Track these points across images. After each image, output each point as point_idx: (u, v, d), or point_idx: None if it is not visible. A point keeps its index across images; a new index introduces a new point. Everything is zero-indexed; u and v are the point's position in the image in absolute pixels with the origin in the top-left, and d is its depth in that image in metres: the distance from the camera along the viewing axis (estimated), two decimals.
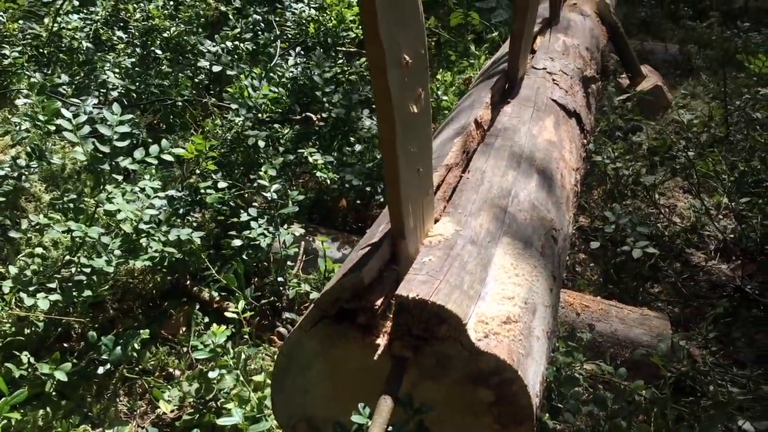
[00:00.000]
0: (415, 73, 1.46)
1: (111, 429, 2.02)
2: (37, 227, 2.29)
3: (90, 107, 2.59)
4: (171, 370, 2.22)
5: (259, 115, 2.78)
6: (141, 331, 2.12)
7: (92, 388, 2.11)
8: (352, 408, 1.46)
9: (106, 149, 2.15)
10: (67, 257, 2.19)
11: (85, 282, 2.03)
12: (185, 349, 2.28)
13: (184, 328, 2.37)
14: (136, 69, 3.19)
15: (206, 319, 2.38)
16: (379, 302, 1.50)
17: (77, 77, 3.28)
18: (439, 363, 1.48)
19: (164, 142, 2.29)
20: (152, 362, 2.23)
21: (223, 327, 1.99)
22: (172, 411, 2.06)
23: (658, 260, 3.09)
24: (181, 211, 2.41)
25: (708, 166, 4.00)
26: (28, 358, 1.98)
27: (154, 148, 2.27)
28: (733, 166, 3.95)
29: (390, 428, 1.38)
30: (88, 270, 2.02)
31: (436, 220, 1.84)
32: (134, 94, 3.19)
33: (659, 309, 2.81)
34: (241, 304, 2.14)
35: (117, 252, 2.12)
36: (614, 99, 4.91)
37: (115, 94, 3.13)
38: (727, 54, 5.64)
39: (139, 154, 2.25)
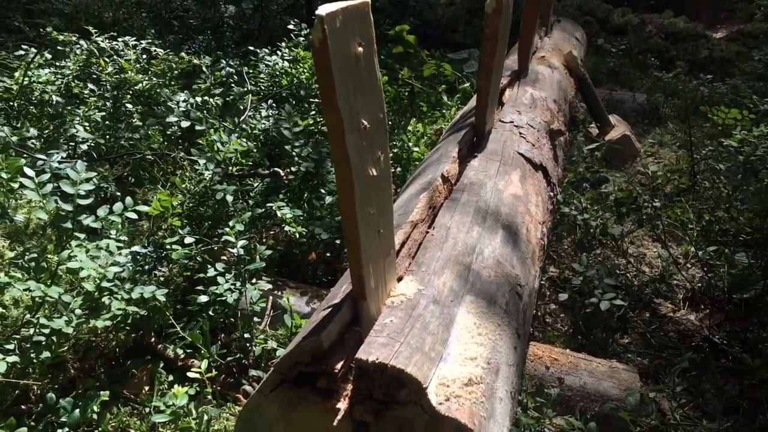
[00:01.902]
0: (373, 136, 1.48)
1: None
2: None
3: (56, 163, 2.58)
4: (132, 431, 2.16)
5: (229, 168, 2.79)
6: (101, 392, 2.07)
7: None
8: None
9: (69, 207, 2.13)
10: (27, 317, 2.15)
11: (43, 343, 1.99)
12: (147, 410, 2.22)
13: (147, 388, 2.32)
14: (107, 123, 3.19)
15: (170, 378, 2.34)
16: (339, 366, 1.48)
17: (46, 131, 3.27)
18: (401, 428, 1.46)
19: (128, 199, 2.28)
20: (113, 424, 2.16)
21: (185, 389, 1.95)
22: None
23: (627, 311, 3.11)
24: (146, 267, 2.38)
25: (674, 215, 4.07)
26: None
27: (118, 206, 2.26)
28: (700, 215, 4.02)
29: None
30: (47, 330, 1.98)
31: (400, 279, 1.84)
32: (104, 148, 3.17)
33: (628, 361, 2.81)
34: (205, 363, 2.11)
35: (78, 311, 2.08)
36: (583, 148, 5.00)
37: (84, 147, 3.12)
38: (693, 103, 5.79)
39: (102, 212, 2.23)
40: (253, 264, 2.39)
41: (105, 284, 2.17)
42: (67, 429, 2.03)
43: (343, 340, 1.57)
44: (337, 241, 2.78)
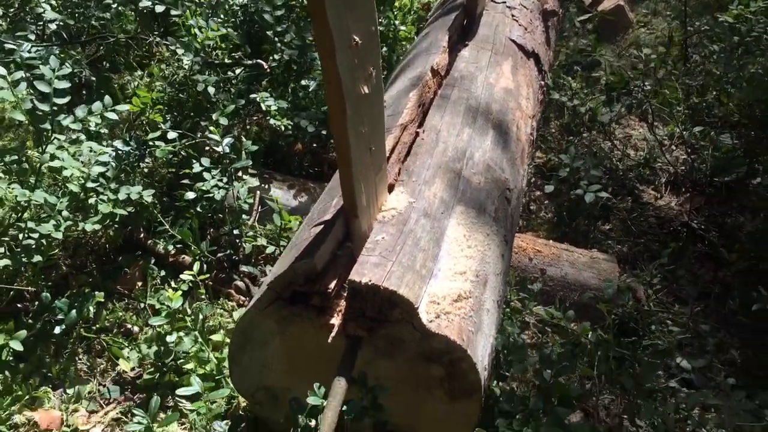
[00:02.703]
0: (365, 52, 1.42)
1: (72, 388, 2.04)
2: None
3: (26, 52, 2.44)
4: (129, 326, 2.23)
5: (209, 56, 2.66)
6: (96, 293, 2.11)
7: (50, 348, 2.11)
8: (309, 380, 1.51)
9: (46, 107, 2.05)
10: (13, 217, 2.13)
11: (33, 246, 1.99)
12: (142, 305, 2.28)
13: (140, 283, 2.36)
14: (74, 0, 2.99)
15: (162, 273, 2.38)
16: (332, 285, 1.51)
17: (11, 9, 3.06)
18: (393, 343, 1.52)
19: (107, 98, 2.19)
20: (109, 319, 2.23)
21: (179, 293, 2.00)
22: (132, 369, 2.09)
23: (611, 198, 3.15)
24: (130, 164, 2.34)
25: (663, 97, 4.03)
26: None
27: (96, 105, 2.17)
28: (688, 93, 3.98)
29: (344, 408, 1.43)
30: (36, 235, 1.98)
31: (391, 187, 1.83)
32: (74, 28, 2.99)
33: (609, 248, 2.89)
34: (197, 266, 2.14)
35: (65, 213, 2.07)
36: (575, 20, 4.84)
37: (53, 27, 2.94)
38: None
39: (81, 112, 2.15)
40: (239, 162, 2.35)
41: (90, 185, 2.15)
42: (64, 326, 2.09)
43: (335, 259, 1.59)
44: (323, 132, 2.73)
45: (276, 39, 2.78)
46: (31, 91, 2.13)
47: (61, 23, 2.99)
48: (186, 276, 2.10)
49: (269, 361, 1.68)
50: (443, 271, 1.60)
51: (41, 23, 2.97)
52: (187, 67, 2.64)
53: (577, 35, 4.78)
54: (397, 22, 3.59)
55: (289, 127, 2.64)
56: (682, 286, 2.80)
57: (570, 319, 2.42)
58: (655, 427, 2.15)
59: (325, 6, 1.22)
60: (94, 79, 3.01)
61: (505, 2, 3.11)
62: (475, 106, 2.27)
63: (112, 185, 2.20)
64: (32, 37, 2.93)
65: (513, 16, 3.02)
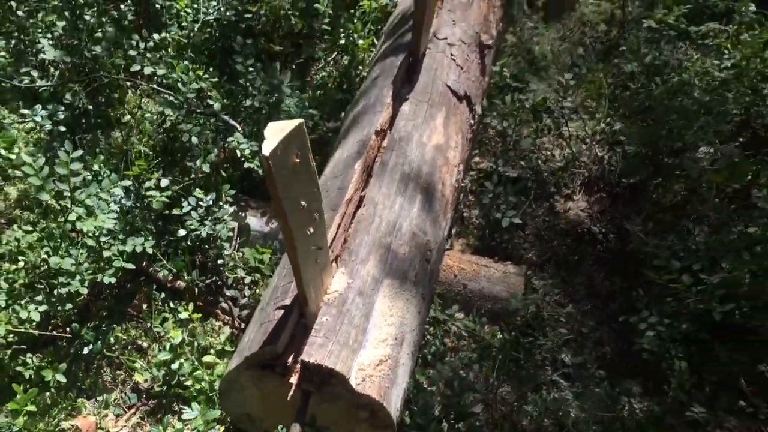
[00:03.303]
0: (310, 208, 2.01)
1: (101, 396, 2.73)
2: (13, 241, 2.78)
3: (39, 117, 2.95)
4: (140, 342, 2.89)
5: (191, 107, 3.14)
6: (114, 326, 2.76)
7: (81, 365, 2.78)
8: (278, 412, 2.21)
9: (66, 187, 2.59)
10: (44, 268, 2.74)
11: (65, 296, 2.61)
12: (149, 324, 2.94)
13: (145, 305, 3.00)
14: (67, 30, 3.36)
15: (162, 296, 3.01)
16: (290, 360, 2.18)
17: (12, 39, 3.46)
18: (333, 396, 2.20)
19: (113, 176, 2.71)
20: (124, 339, 2.88)
21: (179, 331, 2.65)
22: (145, 381, 2.77)
23: (530, 205, 3.78)
24: (133, 216, 2.90)
25: (590, 90, 4.56)
26: (32, 359, 2.62)
27: (105, 183, 2.70)
28: (616, 87, 4.51)
29: None
30: (65, 290, 2.58)
31: (338, 258, 2.46)
32: (70, 63, 3.42)
33: (525, 253, 3.54)
34: (191, 306, 2.78)
35: (86, 265, 2.67)
36: (523, 4, 5.24)
37: (52, 69, 3.37)
38: None
39: (94, 188, 2.68)
40: (221, 211, 2.94)
41: (103, 239, 2.74)
42: (92, 349, 2.76)
43: (294, 338, 2.24)
44: None
45: (247, 84, 3.28)
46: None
47: (59, 61, 3.44)
48: (183, 314, 2.76)
49: (248, 400, 2.37)
50: (370, 341, 2.27)
51: (41, 56, 3.41)
52: (170, 120, 3.14)
53: (526, 16, 5.20)
54: (355, 35, 4.04)
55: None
56: (577, 290, 3.49)
57: (483, 325, 3.13)
58: (537, 413, 2.92)
59: (277, 187, 1.80)
60: (91, 107, 3.49)
61: (446, 38, 3.58)
62: (408, 171, 2.85)
63: (121, 236, 2.79)
64: (35, 73, 3.40)
65: (452, 55, 3.50)
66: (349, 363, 2.15)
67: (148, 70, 3.06)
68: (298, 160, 1.86)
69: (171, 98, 3.10)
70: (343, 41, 4.06)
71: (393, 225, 2.63)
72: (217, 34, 4.03)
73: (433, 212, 2.82)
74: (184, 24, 4.01)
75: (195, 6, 4.01)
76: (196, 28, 3.94)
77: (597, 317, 3.36)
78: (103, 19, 3.68)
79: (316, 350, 2.14)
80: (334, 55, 4.21)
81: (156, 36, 3.33)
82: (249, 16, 4.08)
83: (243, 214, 3.28)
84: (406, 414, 2.50)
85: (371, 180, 2.80)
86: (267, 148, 1.71)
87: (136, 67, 3.15)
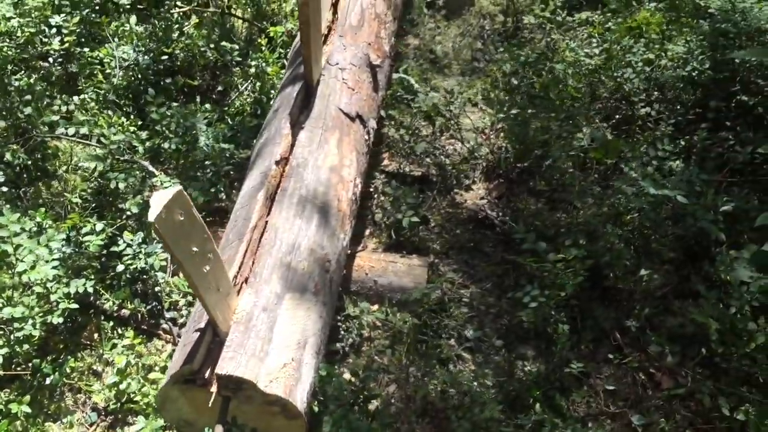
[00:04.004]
0: (202, 251, 2.46)
1: (65, 418, 3.20)
2: None
3: None
4: (95, 367, 3.36)
5: (116, 157, 3.56)
6: (69, 358, 3.22)
7: (45, 393, 3.24)
8: (208, 414, 2.70)
9: (9, 248, 3.02)
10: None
11: (21, 338, 3.06)
12: (101, 351, 3.40)
13: (96, 335, 3.46)
14: None
15: (111, 324, 3.47)
16: (207, 374, 2.66)
17: None
18: (248, 397, 2.69)
19: (50, 231, 3.15)
20: (81, 365, 3.34)
21: (123, 357, 3.12)
22: (102, 400, 3.24)
23: (435, 200, 4.26)
24: (73, 262, 3.34)
25: (489, 83, 5.01)
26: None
27: (43, 239, 3.14)
28: (513, 73, 4.95)
29: None
30: (20, 333, 3.03)
31: (247, 280, 2.93)
32: (7, 127, 3.81)
33: (430, 243, 4.01)
34: (132, 332, 3.25)
35: (36, 309, 3.12)
36: (422, 7, 5.65)
37: None
38: None
39: (34, 245, 3.11)
40: (150, 247, 3.39)
41: (49, 284, 3.19)
42: (53, 380, 3.22)
43: (210, 354, 2.71)
44: (216, 204, 3.73)
45: (163, 129, 3.71)
46: None
47: None
48: (126, 341, 3.23)
49: (182, 408, 2.85)
50: (275, 349, 2.75)
51: None
52: (99, 169, 3.57)
53: (425, 17, 5.61)
54: (264, 64, 4.47)
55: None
56: (477, 271, 3.98)
57: (395, 314, 3.63)
58: (444, 384, 3.40)
59: (168, 243, 2.26)
60: (30, 162, 3.90)
61: (338, 64, 4.01)
62: (305, 195, 3.30)
63: (65, 280, 3.24)
64: None
65: (343, 79, 3.94)
66: (256, 370, 2.63)
67: (71, 131, 3.49)
68: (182, 218, 2.31)
69: (97, 151, 3.53)
70: (253, 69, 4.48)
71: (292, 245, 3.09)
72: (139, 77, 4.43)
73: (330, 227, 3.29)
74: (107, 71, 4.43)
75: (114, 54, 4.42)
76: (119, 74, 4.36)
77: (496, 294, 3.86)
78: (31, 80, 4.07)
79: (228, 363, 2.61)
80: (247, 84, 4.63)
81: (76, 98, 3.73)
82: (164, 57, 4.48)
83: None
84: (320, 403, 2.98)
85: (274, 207, 3.26)
86: (152, 215, 2.16)
87: (60, 130, 3.57)
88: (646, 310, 3.43)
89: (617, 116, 4.40)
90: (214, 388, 2.67)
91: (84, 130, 3.53)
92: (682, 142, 4.01)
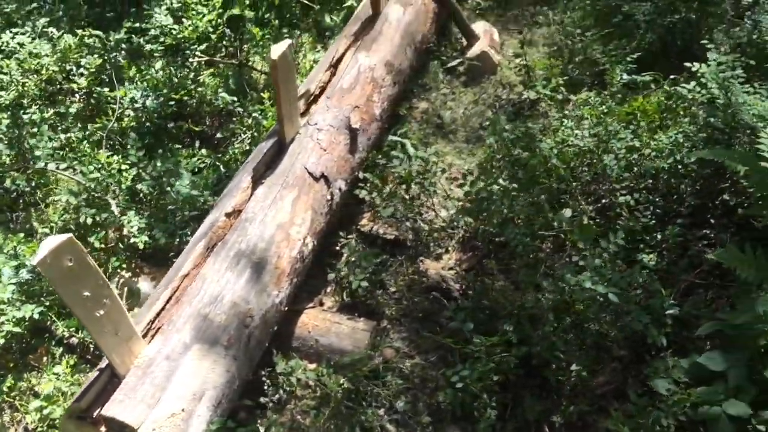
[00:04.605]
0: (97, 295, 2.60)
1: None
2: None
3: None
4: (37, 389, 3.57)
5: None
6: (9, 376, 3.47)
7: None
8: None
9: None
10: None
11: None
12: (47, 374, 3.62)
13: (45, 358, 3.68)
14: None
15: (60, 349, 3.69)
16: (95, 414, 2.78)
17: None
18: None
19: (12, 262, 3.43)
20: (24, 385, 3.56)
21: (51, 383, 3.32)
22: (32, 422, 3.45)
23: (402, 264, 4.27)
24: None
25: (488, 154, 4.99)
26: None
27: (6, 266, 3.42)
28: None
29: None
30: None
31: (158, 329, 3.05)
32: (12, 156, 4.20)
33: (381, 319, 4.00)
34: (65, 362, 3.45)
35: None
36: (438, 73, 5.73)
37: None
38: None
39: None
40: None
41: (1, 306, 3.45)
42: None
43: (104, 393, 2.84)
44: (177, 240, 3.91)
45: (140, 171, 3.96)
46: None
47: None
48: (57, 369, 3.42)
49: None
50: (168, 398, 2.84)
51: None
52: (73, 203, 3.85)
53: (440, 83, 5.66)
54: (260, 116, 4.67)
55: (149, 243, 3.85)
56: (424, 342, 3.93)
57: (330, 375, 3.66)
58: None
59: (55, 286, 2.41)
60: (28, 188, 4.25)
61: (317, 124, 4.13)
62: (244, 249, 3.42)
63: (17, 304, 3.49)
64: None
65: (318, 139, 4.05)
66: (142, 416, 2.73)
67: (51, 166, 3.79)
68: (71, 264, 2.47)
69: (74, 187, 3.81)
70: (249, 120, 4.70)
71: (216, 297, 3.20)
72: (145, 119, 4.74)
73: (260, 283, 3.37)
74: (120, 110, 4.77)
75: (126, 96, 4.75)
76: (131, 115, 4.69)
77: (438, 368, 3.81)
78: (44, 114, 4.44)
79: (116, 406, 2.73)
80: (244, 133, 4.85)
81: (63, 136, 4.06)
82: (172, 103, 4.77)
83: (135, 279, 3.93)
84: None
85: (210, 257, 3.39)
86: (36, 259, 2.34)
87: (40, 164, 3.88)
88: (572, 408, 3.30)
89: (603, 201, 4.28)
90: (102, 428, 2.79)
91: (64, 166, 3.82)
92: (659, 236, 3.87)
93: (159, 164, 4.03)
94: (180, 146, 4.79)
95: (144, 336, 3.01)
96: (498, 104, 5.55)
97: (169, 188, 3.89)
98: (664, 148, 4.00)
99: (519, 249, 3.85)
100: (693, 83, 4.00)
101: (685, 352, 3.34)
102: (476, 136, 5.35)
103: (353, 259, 3.95)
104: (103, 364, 2.91)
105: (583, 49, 5.51)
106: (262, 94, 5.14)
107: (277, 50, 3.58)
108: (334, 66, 4.65)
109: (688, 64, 4.09)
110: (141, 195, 4.01)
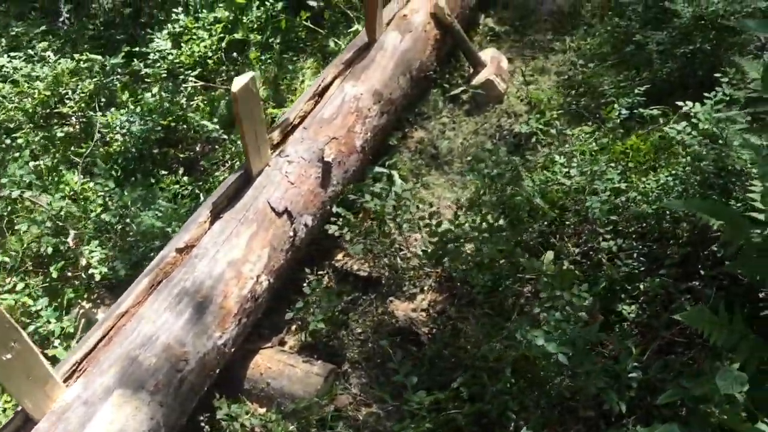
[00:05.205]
0: (4, 339, 2.54)
1: None
2: None
3: None
4: None
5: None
6: None
7: None
8: None
9: None
10: None
11: None
12: None
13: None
14: None
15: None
16: None
17: None
18: None
19: None
20: None
21: None
22: None
23: (372, 304, 4.09)
24: None
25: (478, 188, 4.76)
26: None
27: None
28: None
29: None
30: None
31: (83, 371, 2.97)
32: None
33: (341, 362, 3.83)
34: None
35: None
36: (438, 102, 5.53)
37: None
38: None
39: None
40: (57, 326, 3.58)
41: None
42: None
43: None
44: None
45: (105, 200, 3.93)
46: None
47: None
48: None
49: None
50: None
51: None
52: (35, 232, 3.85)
53: (440, 111, 5.45)
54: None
55: (110, 274, 3.81)
56: (384, 389, 3.73)
57: (278, 422, 3.51)
58: None
59: None
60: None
61: (288, 156, 4.01)
62: (188, 287, 3.31)
63: None
64: None
65: (287, 172, 3.92)
66: None
67: (15, 194, 3.80)
68: None
69: (36, 216, 3.81)
70: (233, 148, 4.63)
71: (149, 338, 3.10)
72: (132, 145, 4.73)
73: (201, 324, 3.26)
74: (109, 136, 4.78)
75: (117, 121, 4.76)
76: (120, 140, 4.70)
77: (395, 419, 3.61)
78: (30, 138, 4.48)
79: None
80: (227, 162, 4.78)
81: (32, 163, 4.06)
82: (159, 129, 4.75)
83: (95, 310, 3.89)
84: None
85: (152, 295, 3.30)
86: None
87: (5, 191, 3.90)
88: None
89: (589, 244, 4.01)
90: None
91: (28, 194, 3.82)
92: (642, 286, 3.59)
93: (126, 193, 3.98)
94: (167, 173, 4.74)
95: (69, 378, 2.94)
96: (499, 135, 5.30)
97: (131, 219, 3.83)
98: (652, 191, 3.71)
99: (480, 296, 3.63)
100: (684, 123, 3.69)
101: (649, 419, 3.06)
102: (498, 161, 5.12)
103: (313, 298, 3.80)
104: (19, 407, 2.84)
105: (585, 79, 5.24)
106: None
107: (238, 83, 3.48)
108: (320, 95, 4.53)
109: (680, 103, 3.79)
110: (108, 225, 3.97)
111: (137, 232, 3.86)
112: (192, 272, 3.38)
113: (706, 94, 3.78)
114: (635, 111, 4.59)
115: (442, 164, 5.16)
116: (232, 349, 3.48)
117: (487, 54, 5.80)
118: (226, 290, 3.41)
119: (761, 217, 2.86)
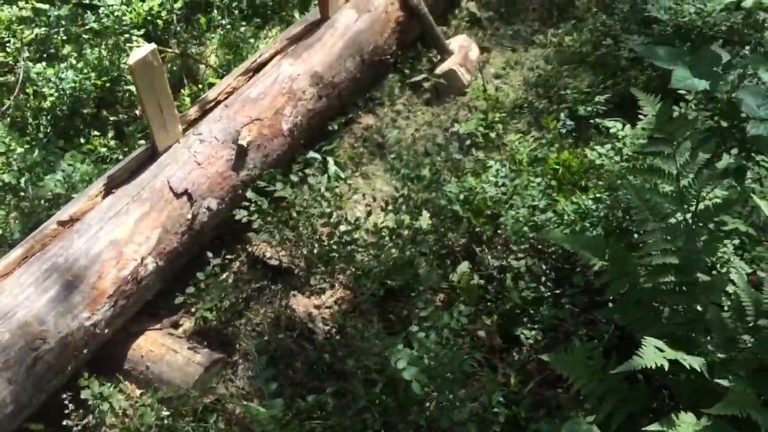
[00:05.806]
0: None
1: None
2: None
3: None
4: None
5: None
6: None
7: None
8: None
9: None
10: None
11: None
12: None
13: None
14: None
15: None
16: None
17: None
18: None
19: None
20: None
21: None
22: None
23: (276, 295, 3.96)
24: None
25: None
26: None
27: None
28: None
29: None
30: None
31: None
32: None
33: (234, 352, 3.71)
34: None
35: None
36: (395, 88, 5.29)
37: None
38: None
39: None
40: None
41: None
42: None
43: None
44: None
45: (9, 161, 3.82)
46: None
47: None
48: None
49: None
50: None
51: None
52: None
53: (396, 98, 5.21)
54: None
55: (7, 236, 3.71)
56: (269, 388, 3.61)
57: (153, 407, 3.42)
58: None
59: None
60: None
61: (200, 134, 3.85)
62: (60, 263, 3.20)
63: None
64: None
65: (195, 152, 3.77)
66: None
67: None
68: None
69: None
70: None
71: (5, 313, 3.00)
72: (63, 101, 4.60)
73: (67, 303, 3.15)
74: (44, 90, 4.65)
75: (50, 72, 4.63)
76: (55, 95, 4.58)
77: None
78: None
79: None
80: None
81: None
82: (92, 87, 4.61)
83: None
84: None
85: (21, 268, 3.20)
86: None
87: None
88: None
89: (500, 261, 3.81)
90: None
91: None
92: (544, 311, 3.41)
93: (36, 154, 3.86)
94: (99, 134, 4.61)
95: None
96: (452, 130, 5.06)
97: (32, 182, 3.72)
98: (567, 214, 3.49)
99: (371, 306, 3.48)
100: (608, 146, 3.45)
101: None
102: (418, 162, 4.91)
103: (204, 284, 3.67)
104: None
105: (554, 79, 4.98)
106: (200, 86, 4.91)
107: (135, 56, 3.32)
108: (256, 71, 4.35)
109: (609, 125, 3.53)
110: (7, 186, 3.87)
111: (35, 196, 3.74)
112: (68, 248, 3.26)
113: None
114: (591, 121, 4.36)
115: (387, 154, 4.95)
116: (106, 330, 3.37)
117: (456, 42, 5.52)
118: (101, 270, 3.29)
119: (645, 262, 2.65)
